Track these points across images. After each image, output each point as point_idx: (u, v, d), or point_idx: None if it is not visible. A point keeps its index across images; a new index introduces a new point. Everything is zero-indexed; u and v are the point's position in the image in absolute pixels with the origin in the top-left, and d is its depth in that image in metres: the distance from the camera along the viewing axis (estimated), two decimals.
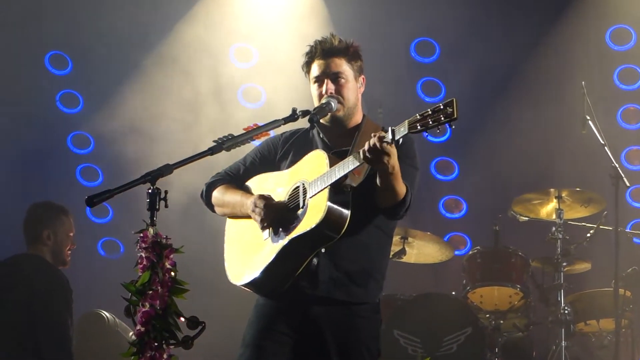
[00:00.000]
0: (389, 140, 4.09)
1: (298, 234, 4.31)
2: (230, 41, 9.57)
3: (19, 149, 9.38)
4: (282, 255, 4.35)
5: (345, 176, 4.27)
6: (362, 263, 4.47)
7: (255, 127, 4.42)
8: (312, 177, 4.37)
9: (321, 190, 4.30)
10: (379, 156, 4.11)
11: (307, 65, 4.64)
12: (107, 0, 9.42)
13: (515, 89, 9.56)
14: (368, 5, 9.47)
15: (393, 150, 4.13)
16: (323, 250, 4.37)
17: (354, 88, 4.61)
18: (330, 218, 4.26)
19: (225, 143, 4.30)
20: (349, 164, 4.25)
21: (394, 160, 4.15)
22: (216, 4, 9.47)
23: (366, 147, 4.12)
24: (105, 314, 7.66)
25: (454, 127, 4.00)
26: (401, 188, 4.29)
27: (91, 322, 7.64)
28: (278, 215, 4.43)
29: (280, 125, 4.48)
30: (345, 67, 4.57)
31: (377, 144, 4.08)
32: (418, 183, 4.54)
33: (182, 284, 3.73)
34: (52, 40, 9.53)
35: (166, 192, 3.87)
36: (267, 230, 4.46)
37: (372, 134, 4.13)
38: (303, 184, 4.42)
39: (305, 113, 4.49)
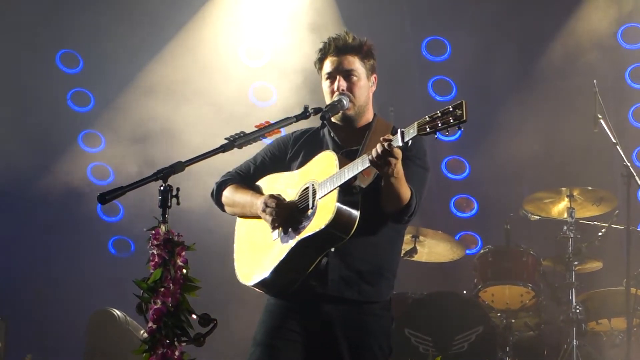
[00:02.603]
0: (399, 143, 4.07)
1: (307, 234, 4.30)
2: (241, 40, 9.57)
3: (29, 148, 9.38)
4: (292, 255, 4.34)
5: (355, 177, 4.26)
6: (372, 262, 4.45)
7: (266, 125, 4.40)
8: (322, 177, 4.35)
9: (330, 191, 4.28)
10: (388, 161, 4.09)
11: (320, 62, 4.62)
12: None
13: (527, 87, 9.55)
14: (379, 4, 9.47)
15: (398, 154, 4.11)
16: (332, 249, 4.36)
17: (365, 86, 4.59)
18: (339, 219, 4.24)
19: (237, 140, 4.29)
20: (358, 166, 4.23)
21: (398, 165, 4.13)
22: (227, 3, 9.47)
23: (374, 153, 4.09)
24: (116, 311, 7.67)
25: (463, 128, 3.97)
26: (405, 192, 4.26)
27: (102, 320, 7.65)
28: (288, 216, 4.42)
29: (292, 123, 4.47)
30: (357, 65, 4.55)
31: (389, 149, 4.06)
32: (429, 183, 4.52)
33: (194, 281, 3.72)
34: (63, 38, 9.55)
35: (178, 189, 3.86)
36: (277, 230, 4.45)
37: (381, 138, 4.11)
38: (313, 185, 4.40)
39: (317, 110, 4.48)
